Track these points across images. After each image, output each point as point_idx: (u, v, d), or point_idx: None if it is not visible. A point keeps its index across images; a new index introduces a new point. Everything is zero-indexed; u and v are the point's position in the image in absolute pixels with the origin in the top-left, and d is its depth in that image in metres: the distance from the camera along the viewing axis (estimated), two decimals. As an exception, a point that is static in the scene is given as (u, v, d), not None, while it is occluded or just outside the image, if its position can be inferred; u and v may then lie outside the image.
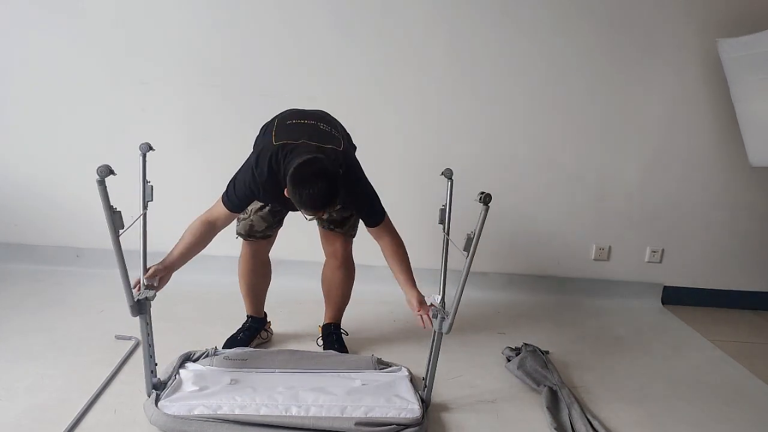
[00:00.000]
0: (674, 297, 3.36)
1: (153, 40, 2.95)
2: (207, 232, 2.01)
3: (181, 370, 2.04)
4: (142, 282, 1.87)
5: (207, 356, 2.14)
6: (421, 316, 1.93)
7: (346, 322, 2.46)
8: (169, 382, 1.96)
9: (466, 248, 1.86)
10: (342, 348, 2.36)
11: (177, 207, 3.14)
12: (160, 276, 1.93)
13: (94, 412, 1.87)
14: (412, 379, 2.13)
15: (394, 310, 2.86)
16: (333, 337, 2.39)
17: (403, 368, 2.20)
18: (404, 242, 2.10)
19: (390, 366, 2.23)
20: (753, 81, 2.77)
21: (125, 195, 3.12)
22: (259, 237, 2.26)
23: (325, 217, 2.14)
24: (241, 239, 2.30)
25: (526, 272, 3.31)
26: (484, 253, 3.30)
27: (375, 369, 2.17)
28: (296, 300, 2.82)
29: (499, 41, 3.02)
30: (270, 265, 2.40)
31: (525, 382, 2.25)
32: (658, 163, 3.20)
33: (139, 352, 2.28)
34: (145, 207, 1.95)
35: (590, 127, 3.14)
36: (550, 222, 3.26)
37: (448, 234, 2.07)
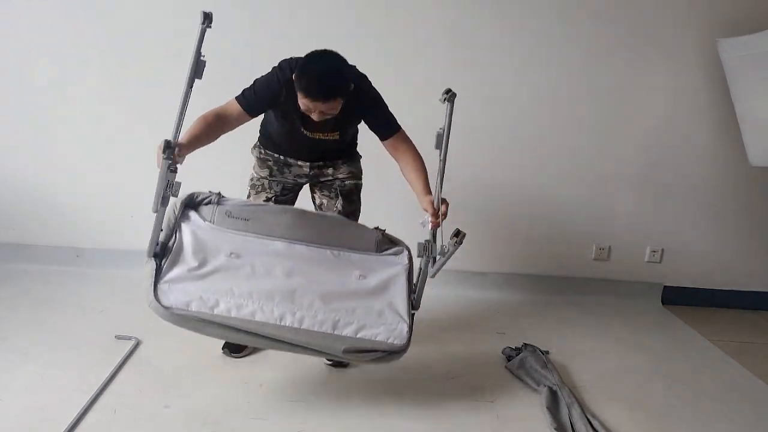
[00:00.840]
0: (674, 297, 3.36)
1: (153, 40, 2.95)
2: (216, 124, 1.97)
3: (182, 224, 1.92)
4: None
5: (209, 203, 2.00)
6: (430, 221, 1.89)
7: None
8: (170, 243, 1.87)
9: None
10: None
11: (177, 207, 3.15)
12: (181, 150, 1.88)
13: (94, 412, 1.87)
14: (410, 270, 2.02)
15: (394, 310, 2.86)
16: None
17: (404, 253, 2.06)
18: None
19: (393, 246, 2.07)
20: (753, 81, 2.78)
21: (125, 195, 3.13)
22: None
23: (324, 110, 1.88)
24: None
25: (526, 272, 3.31)
26: (484, 253, 3.32)
27: (377, 251, 2.04)
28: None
29: (498, 41, 3.02)
30: None
31: (525, 382, 2.25)
32: (658, 162, 3.20)
33: (139, 352, 2.28)
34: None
35: (590, 126, 3.14)
36: (550, 222, 3.26)
37: (444, 161, 1.98)
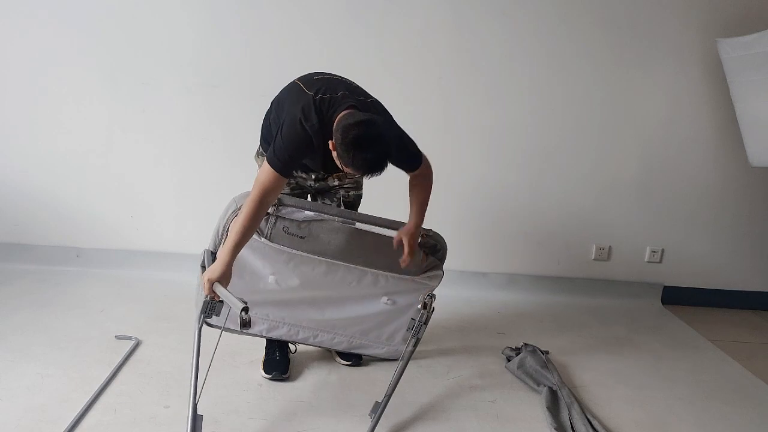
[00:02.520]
0: (674, 297, 3.36)
1: (153, 40, 2.95)
2: (261, 211, 1.81)
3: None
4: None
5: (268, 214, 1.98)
6: (402, 243, 1.99)
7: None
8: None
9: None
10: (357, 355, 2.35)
11: (177, 207, 3.15)
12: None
13: (94, 412, 1.87)
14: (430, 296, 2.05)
15: (394, 310, 2.86)
16: None
17: (438, 275, 2.18)
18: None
19: (433, 270, 2.18)
20: (753, 81, 2.77)
21: (125, 195, 3.13)
22: None
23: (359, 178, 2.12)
24: None
25: (526, 272, 3.31)
26: (484, 253, 3.32)
27: (417, 274, 2.14)
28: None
29: (499, 41, 3.02)
30: None
31: (525, 382, 2.25)
32: (658, 162, 3.20)
33: (139, 352, 2.28)
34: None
35: (590, 127, 3.14)
36: (550, 222, 3.26)
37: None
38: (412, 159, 1.96)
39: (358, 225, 2.05)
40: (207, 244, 2.02)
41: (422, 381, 2.24)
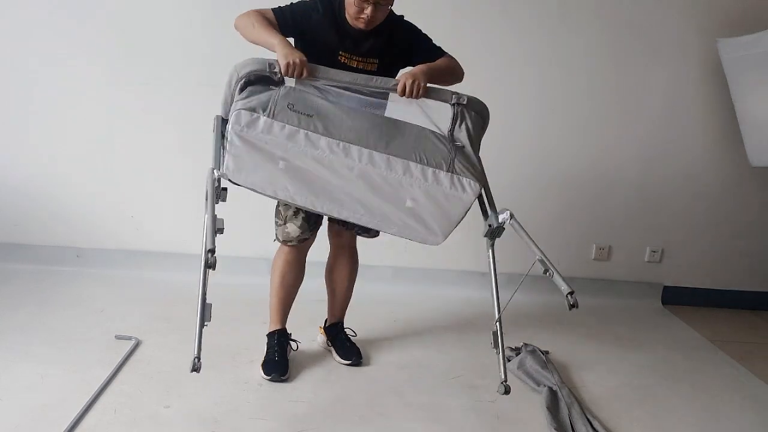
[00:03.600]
0: (674, 297, 3.36)
1: (154, 40, 2.95)
2: (256, 13, 1.94)
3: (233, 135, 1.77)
4: None
5: (269, 85, 1.83)
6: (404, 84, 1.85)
7: (346, 323, 2.46)
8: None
9: None
10: (356, 348, 2.34)
11: (177, 207, 3.15)
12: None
13: (94, 412, 1.86)
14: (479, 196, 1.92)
15: (394, 310, 2.86)
16: (342, 336, 2.37)
17: (473, 187, 1.90)
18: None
19: (465, 174, 1.88)
20: (753, 81, 2.78)
21: (125, 195, 3.13)
22: (297, 242, 2.13)
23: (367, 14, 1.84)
24: (278, 243, 2.18)
25: (526, 272, 3.30)
26: (484, 253, 3.30)
27: (447, 171, 1.85)
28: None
29: (498, 40, 3.02)
30: (304, 271, 2.24)
31: (525, 382, 2.25)
32: (658, 163, 3.20)
33: (139, 352, 2.28)
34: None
35: (590, 126, 3.14)
36: (550, 222, 3.26)
37: None
38: (430, 45, 2.03)
39: (385, 112, 1.86)
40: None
41: (422, 381, 2.24)
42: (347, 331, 2.41)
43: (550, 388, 2.15)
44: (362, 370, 2.29)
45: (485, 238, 1.95)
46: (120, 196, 3.13)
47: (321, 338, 2.44)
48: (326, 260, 2.36)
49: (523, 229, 1.94)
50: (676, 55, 3.07)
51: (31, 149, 3.05)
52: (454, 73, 2.05)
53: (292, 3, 1.99)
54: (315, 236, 2.19)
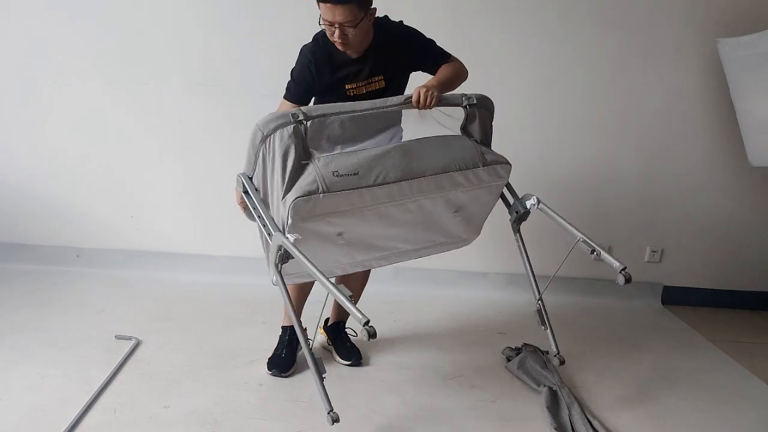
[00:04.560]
0: (674, 297, 3.36)
1: (154, 40, 2.95)
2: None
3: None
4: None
5: (304, 164, 1.77)
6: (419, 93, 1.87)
7: (347, 323, 2.46)
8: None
9: None
10: (356, 349, 2.34)
11: (177, 207, 3.15)
12: None
13: (94, 412, 1.87)
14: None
15: (394, 310, 2.86)
16: (343, 336, 2.38)
17: (506, 169, 2.06)
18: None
19: (497, 161, 2.02)
20: (753, 81, 2.77)
21: (125, 195, 3.13)
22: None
23: (341, 21, 1.85)
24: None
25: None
26: (484, 253, 3.31)
27: (482, 165, 1.97)
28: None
29: (498, 40, 3.02)
30: None
31: (525, 382, 2.25)
32: (658, 163, 3.20)
33: (139, 352, 2.28)
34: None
35: (590, 126, 3.14)
36: (550, 222, 3.24)
37: None
38: (431, 47, 2.05)
39: (402, 138, 1.98)
40: (241, 169, 1.93)
41: (422, 381, 2.24)
42: (348, 331, 2.41)
43: (550, 388, 2.15)
44: (362, 370, 2.29)
45: (512, 225, 2.14)
46: (120, 196, 3.13)
47: (321, 338, 2.44)
48: None
49: (554, 212, 2.11)
50: (676, 55, 3.07)
51: (31, 149, 3.05)
52: (460, 77, 2.08)
53: (291, 73, 2.03)
54: None
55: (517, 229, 2.18)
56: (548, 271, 3.31)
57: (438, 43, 2.09)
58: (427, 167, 1.87)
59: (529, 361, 2.33)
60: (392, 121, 1.97)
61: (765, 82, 2.70)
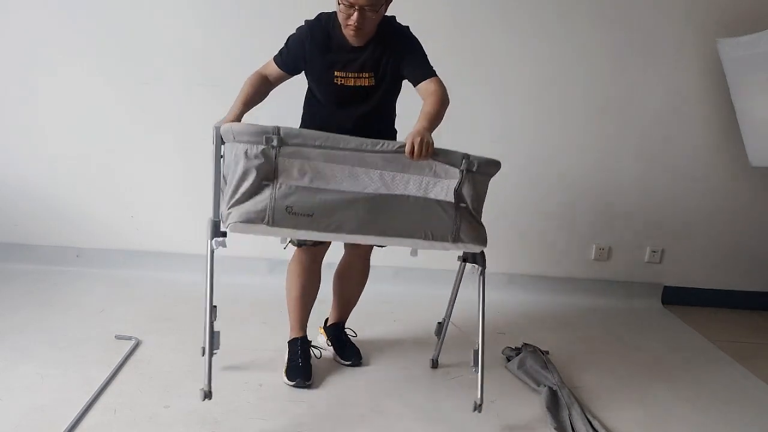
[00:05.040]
0: (674, 297, 3.36)
1: (154, 40, 2.95)
2: (263, 83, 2.03)
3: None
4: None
5: (265, 184, 1.68)
6: (412, 144, 1.73)
7: (347, 323, 2.46)
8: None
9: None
10: (356, 348, 2.35)
11: (177, 207, 3.15)
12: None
13: (94, 412, 1.87)
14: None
15: (394, 310, 2.87)
16: (343, 336, 2.38)
17: (476, 249, 1.92)
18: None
19: (470, 241, 1.86)
20: (753, 81, 2.77)
21: (125, 195, 3.13)
22: (311, 244, 2.10)
23: (363, 3, 1.81)
24: (292, 247, 2.15)
25: (526, 272, 3.31)
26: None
27: (452, 242, 1.82)
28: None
29: (498, 40, 3.02)
30: (320, 275, 2.22)
31: (525, 382, 2.25)
32: (658, 163, 3.20)
33: (139, 352, 2.28)
34: None
35: (589, 126, 3.14)
36: (550, 222, 3.26)
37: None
38: (421, 62, 2.01)
39: (380, 190, 1.75)
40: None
41: (422, 381, 2.24)
42: (347, 331, 2.41)
43: (550, 388, 2.15)
44: (362, 370, 2.29)
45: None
46: (120, 196, 3.13)
47: (321, 338, 2.44)
48: (337, 262, 2.34)
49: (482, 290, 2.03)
50: (676, 55, 3.07)
51: (31, 149, 3.05)
52: (444, 107, 1.98)
53: (287, 40, 2.04)
54: (329, 243, 2.16)
55: (480, 272, 2.04)
56: (543, 271, 3.34)
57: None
58: (390, 228, 1.76)
59: (529, 361, 2.33)
60: (376, 164, 1.75)
61: (765, 82, 2.70)
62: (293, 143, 1.68)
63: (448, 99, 1.98)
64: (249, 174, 1.67)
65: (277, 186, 1.67)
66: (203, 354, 1.83)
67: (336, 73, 1.98)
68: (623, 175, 3.21)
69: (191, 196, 3.12)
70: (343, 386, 2.16)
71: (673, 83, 3.10)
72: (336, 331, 2.38)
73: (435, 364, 2.34)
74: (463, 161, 1.78)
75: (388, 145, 1.74)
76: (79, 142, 3.04)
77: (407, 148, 1.73)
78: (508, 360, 2.41)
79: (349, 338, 2.39)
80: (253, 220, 1.67)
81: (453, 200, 1.80)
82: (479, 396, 1.90)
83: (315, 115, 2.12)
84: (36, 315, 2.54)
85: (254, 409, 1.96)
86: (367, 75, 1.99)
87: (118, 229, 3.15)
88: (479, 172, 1.82)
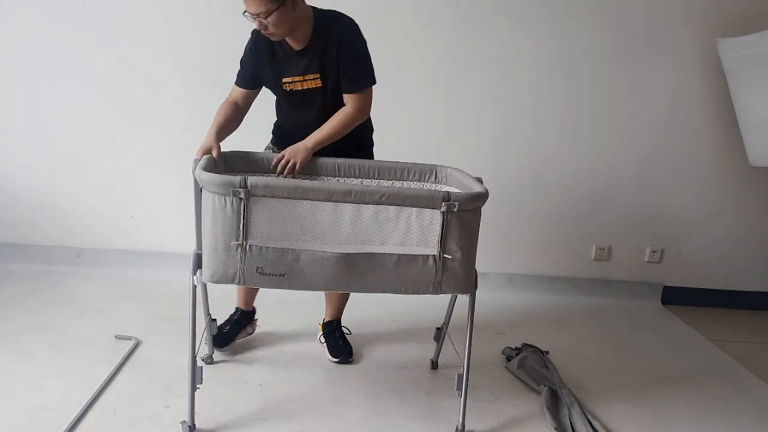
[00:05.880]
0: (674, 297, 3.36)
1: (154, 40, 2.94)
2: (232, 109, 2.05)
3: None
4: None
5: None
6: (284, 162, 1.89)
7: (346, 322, 2.47)
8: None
9: None
10: (347, 347, 2.35)
11: (177, 207, 3.15)
12: (214, 150, 1.91)
13: (94, 412, 1.87)
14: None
15: (394, 310, 2.87)
16: (336, 334, 2.39)
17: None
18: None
19: (452, 291, 1.78)
20: (753, 81, 2.77)
21: (125, 195, 3.13)
22: None
23: (253, 12, 1.85)
24: None
25: (526, 272, 3.31)
26: (484, 253, 3.30)
27: (434, 293, 1.73)
28: (294, 299, 2.81)
29: (497, 40, 3.01)
30: None
31: (525, 382, 2.25)
32: (658, 163, 3.20)
33: (139, 352, 2.28)
34: None
35: (589, 126, 3.14)
36: (550, 222, 3.26)
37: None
38: (354, 69, 1.93)
39: (350, 247, 1.66)
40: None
41: (422, 381, 2.24)
42: (342, 329, 2.42)
43: (550, 388, 2.15)
44: (362, 370, 2.30)
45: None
46: (120, 196, 3.13)
47: (320, 335, 2.46)
48: None
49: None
50: (676, 55, 3.07)
51: (30, 149, 3.05)
52: (346, 128, 1.95)
53: (241, 59, 2.08)
54: None
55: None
56: (543, 271, 3.33)
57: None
58: (365, 284, 1.70)
59: (529, 361, 2.33)
60: (348, 209, 1.65)
61: (765, 82, 2.70)
62: (261, 194, 1.60)
63: (359, 117, 1.98)
64: (217, 230, 1.61)
65: (247, 247, 1.61)
66: (203, 360, 1.89)
67: (284, 79, 2.00)
68: (623, 175, 3.21)
69: (191, 195, 3.12)
70: (344, 386, 2.16)
71: (673, 83, 3.10)
72: (330, 329, 2.41)
73: (435, 365, 2.35)
74: (443, 204, 1.63)
75: (358, 195, 1.62)
76: (78, 142, 3.04)
77: (273, 163, 1.86)
78: (508, 360, 2.41)
79: (343, 336, 2.40)
80: (223, 281, 1.64)
81: (436, 252, 1.66)
82: (461, 421, 1.88)
83: (285, 119, 2.17)
84: (36, 315, 2.54)
85: (254, 409, 1.96)
86: (312, 77, 1.98)
87: (118, 229, 3.15)
88: (464, 209, 1.66)
